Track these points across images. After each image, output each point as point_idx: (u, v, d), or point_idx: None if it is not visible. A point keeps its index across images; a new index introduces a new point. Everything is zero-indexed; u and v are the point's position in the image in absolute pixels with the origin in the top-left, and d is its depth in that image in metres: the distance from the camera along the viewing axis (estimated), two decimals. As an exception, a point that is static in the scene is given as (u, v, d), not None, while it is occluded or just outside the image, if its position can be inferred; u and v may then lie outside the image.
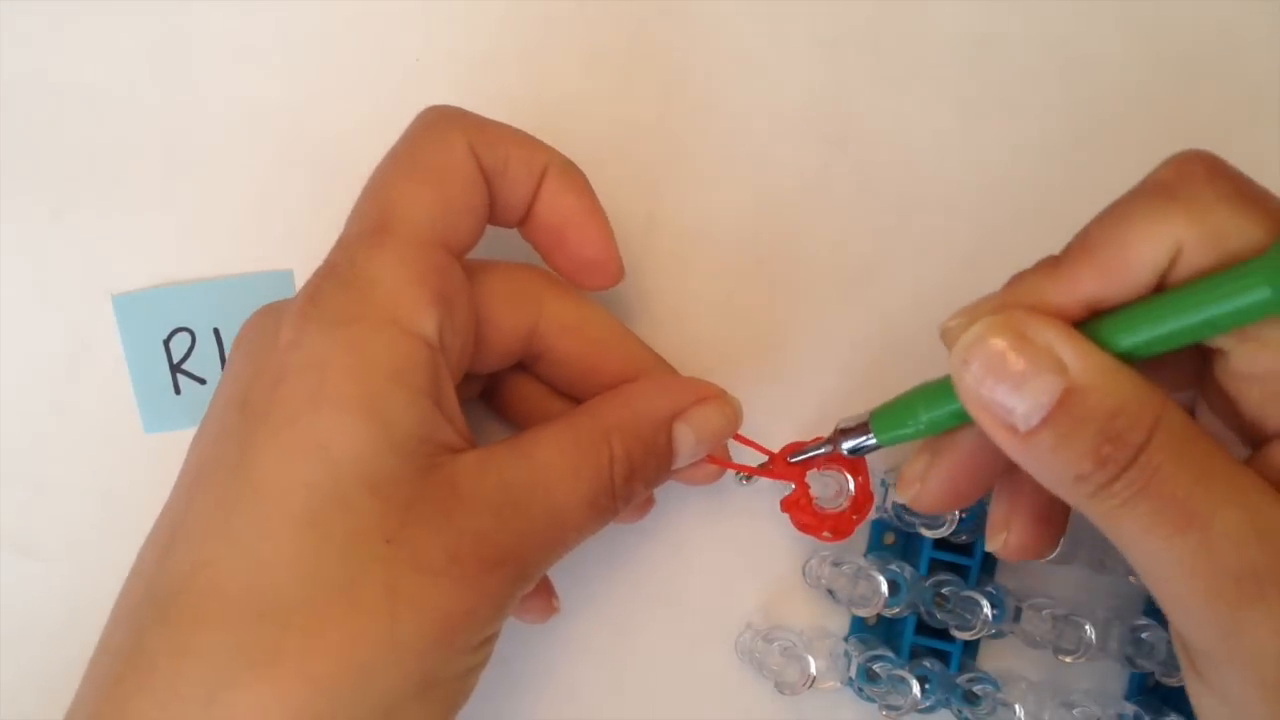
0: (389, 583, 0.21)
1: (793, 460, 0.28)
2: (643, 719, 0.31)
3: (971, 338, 0.22)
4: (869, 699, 0.30)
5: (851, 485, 0.27)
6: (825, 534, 0.28)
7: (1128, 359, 0.21)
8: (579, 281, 0.27)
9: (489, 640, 0.24)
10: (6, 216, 0.31)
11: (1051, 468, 0.21)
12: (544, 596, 0.29)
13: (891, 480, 0.30)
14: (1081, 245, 0.22)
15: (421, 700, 0.22)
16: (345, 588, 0.21)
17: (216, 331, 0.31)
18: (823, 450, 0.27)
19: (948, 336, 0.23)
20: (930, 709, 0.30)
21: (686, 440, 0.26)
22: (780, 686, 0.30)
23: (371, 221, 0.24)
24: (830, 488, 0.28)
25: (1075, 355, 0.21)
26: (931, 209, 0.32)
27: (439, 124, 0.25)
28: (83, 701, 0.22)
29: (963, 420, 0.24)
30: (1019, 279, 0.23)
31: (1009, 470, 0.25)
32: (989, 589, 0.29)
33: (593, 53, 0.32)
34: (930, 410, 0.25)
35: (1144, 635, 0.29)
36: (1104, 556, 0.30)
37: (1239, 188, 0.21)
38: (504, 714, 0.31)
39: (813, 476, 0.28)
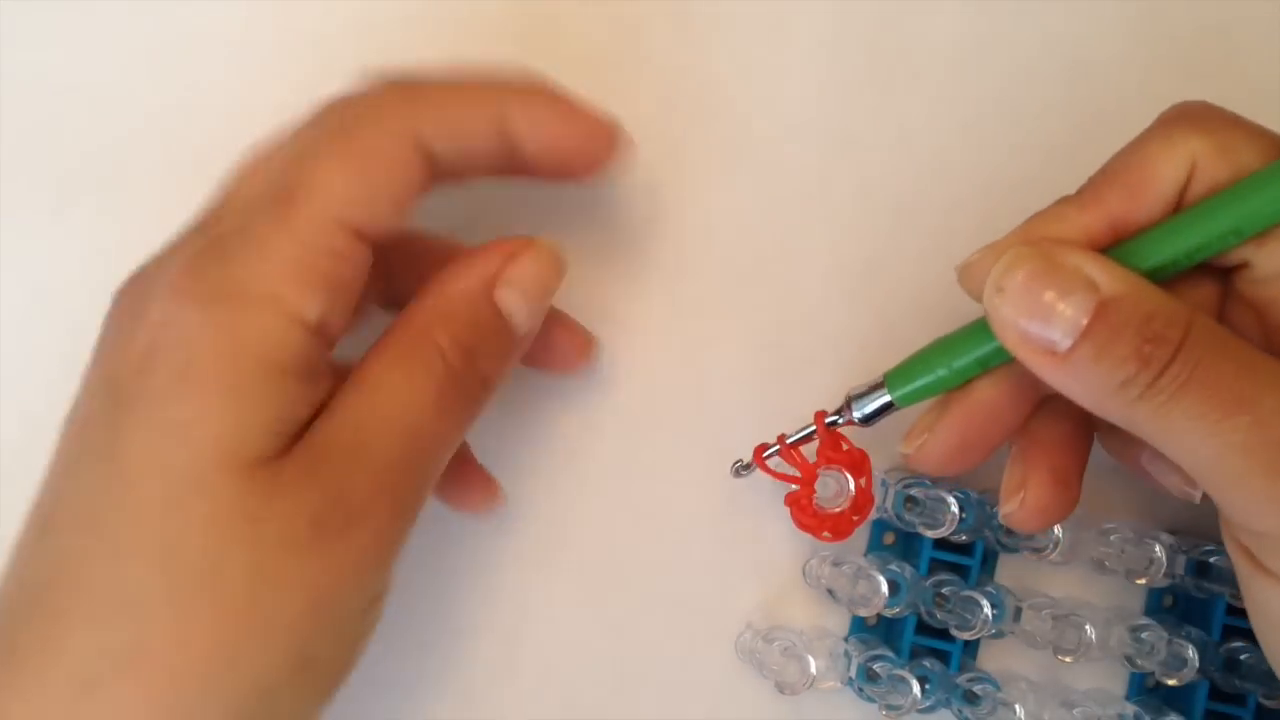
0: (253, 563, 0.21)
1: (790, 441, 0.27)
2: (643, 719, 0.31)
3: (1004, 266, 0.23)
4: (869, 699, 0.30)
5: (852, 485, 0.27)
6: (825, 534, 0.28)
7: (1152, 280, 0.22)
8: (586, 169, 0.26)
9: (374, 602, 0.24)
10: (7, 215, 0.31)
11: (1094, 380, 0.22)
12: (479, 488, 0.29)
13: (892, 480, 0.30)
14: (1102, 172, 0.24)
15: (300, 677, 0.22)
16: (208, 574, 0.21)
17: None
18: (833, 420, 0.26)
19: (967, 273, 0.24)
20: (930, 709, 0.30)
21: (512, 301, 0.25)
22: (780, 686, 0.30)
23: (280, 189, 0.23)
24: (830, 488, 0.28)
25: (1104, 272, 0.22)
26: (931, 209, 0.32)
27: (385, 104, 0.24)
28: None
29: (982, 368, 0.24)
30: (1038, 215, 0.24)
31: (1021, 429, 0.26)
32: (989, 589, 0.29)
33: (592, 52, 0.32)
34: (948, 360, 0.25)
35: (1144, 635, 0.29)
36: (1104, 557, 0.30)
37: (1239, 118, 0.24)
38: (503, 714, 0.31)
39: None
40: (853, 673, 0.30)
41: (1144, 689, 0.31)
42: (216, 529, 0.21)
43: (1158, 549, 0.29)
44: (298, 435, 0.22)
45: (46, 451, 0.29)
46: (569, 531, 0.31)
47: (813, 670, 0.30)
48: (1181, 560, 0.30)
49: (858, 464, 0.27)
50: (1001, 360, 0.25)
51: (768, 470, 0.28)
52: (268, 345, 0.22)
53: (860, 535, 0.32)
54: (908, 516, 0.30)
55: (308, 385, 0.22)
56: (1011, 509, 0.26)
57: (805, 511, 0.28)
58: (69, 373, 0.31)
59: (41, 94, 0.31)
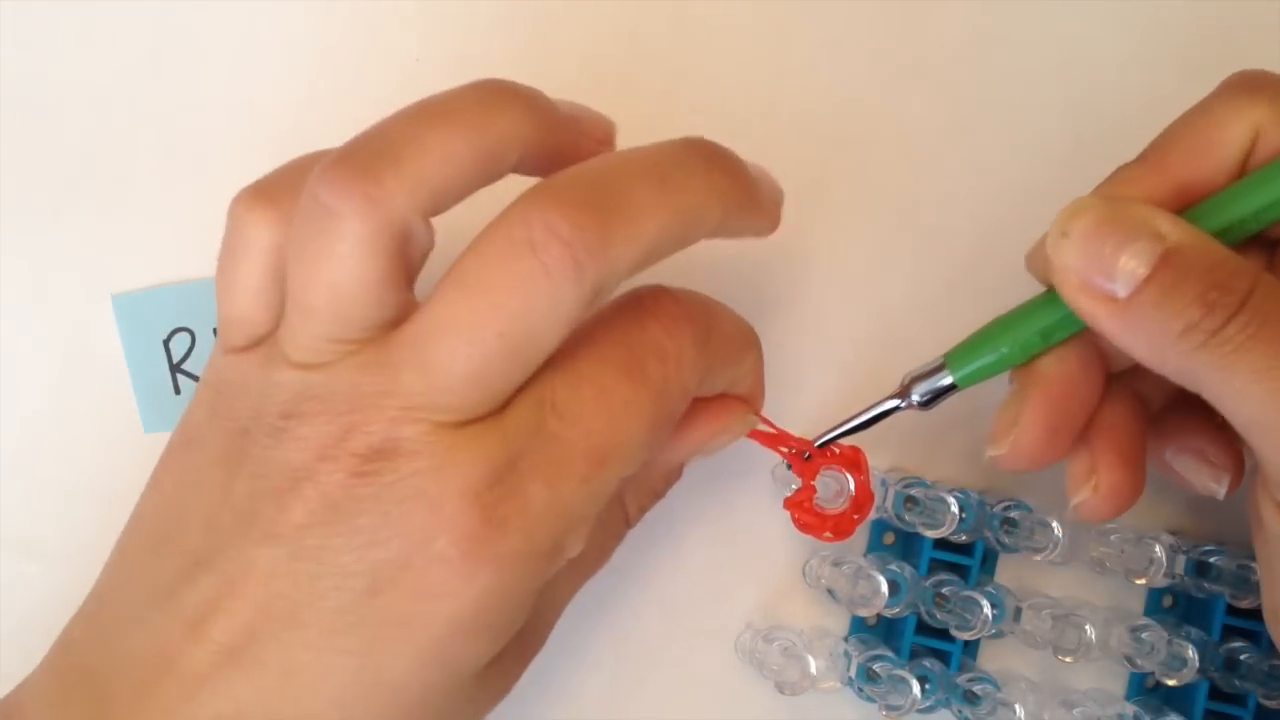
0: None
1: (829, 438, 0.27)
2: (642, 719, 0.31)
3: (1069, 213, 0.22)
4: (869, 699, 0.30)
5: (852, 485, 0.27)
6: (826, 534, 0.28)
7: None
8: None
9: None
10: (6, 216, 0.31)
11: (1155, 327, 0.22)
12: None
13: (892, 480, 0.30)
14: (1165, 136, 0.24)
15: None
16: None
17: (216, 332, 0.31)
18: (892, 405, 0.26)
19: (1032, 258, 0.25)
20: (930, 709, 0.30)
21: (691, 461, 0.27)
22: (780, 686, 0.30)
23: (589, 468, 0.22)
24: (830, 488, 0.28)
25: (1170, 223, 0.22)
26: (931, 209, 0.32)
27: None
28: None
29: (1045, 340, 0.24)
30: (1103, 183, 0.24)
31: (1098, 408, 0.25)
32: (989, 589, 0.29)
33: (592, 52, 0.32)
34: (1010, 335, 0.24)
35: (1144, 635, 0.29)
36: (1104, 557, 0.30)
37: None
38: (503, 715, 0.31)
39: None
40: (853, 673, 0.30)
41: (1144, 689, 0.31)
42: (446, 715, 0.23)
43: (1158, 549, 0.29)
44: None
45: (47, 452, 0.28)
46: (569, 531, 0.31)
47: (813, 670, 0.30)
48: (1181, 560, 0.30)
49: (854, 461, 0.27)
50: (1064, 332, 0.24)
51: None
52: (526, 605, 0.23)
53: (860, 535, 0.32)
54: (908, 516, 0.30)
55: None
56: (1084, 497, 0.25)
57: (807, 511, 0.28)
58: (69, 373, 0.32)
59: (41, 94, 0.31)
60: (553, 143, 0.23)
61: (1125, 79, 0.32)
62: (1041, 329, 0.24)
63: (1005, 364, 0.25)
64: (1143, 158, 0.24)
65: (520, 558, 0.21)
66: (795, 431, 0.28)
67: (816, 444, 0.27)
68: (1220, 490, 0.26)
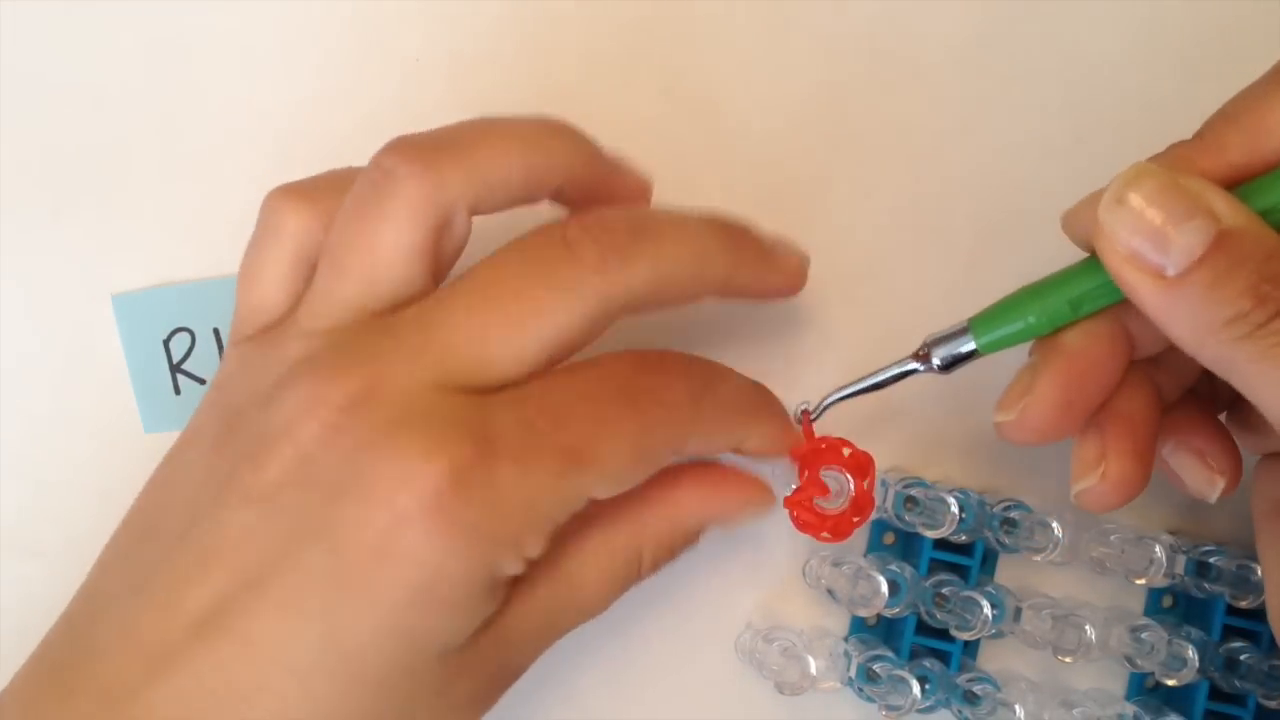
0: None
1: (840, 396, 0.27)
2: (642, 719, 0.31)
3: (1127, 179, 0.22)
4: (869, 699, 0.30)
5: (852, 486, 0.27)
6: (824, 534, 0.28)
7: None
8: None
9: None
10: (6, 216, 0.31)
11: (1201, 311, 0.21)
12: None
13: (892, 480, 0.30)
14: (1222, 115, 0.23)
15: None
16: None
17: (216, 331, 0.31)
18: (910, 368, 0.26)
19: (1072, 218, 0.24)
20: (930, 709, 0.30)
21: (710, 531, 0.27)
22: (780, 686, 0.30)
23: (573, 462, 0.22)
24: (830, 488, 0.28)
25: (1226, 204, 0.21)
26: (931, 209, 0.32)
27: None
28: None
29: (1074, 311, 0.24)
30: (1156, 158, 0.23)
31: (1116, 393, 0.25)
32: (989, 589, 0.29)
33: (592, 52, 0.32)
34: (1037, 305, 0.24)
35: (1144, 635, 0.29)
36: (1104, 557, 0.30)
37: None
38: (502, 715, 0.31)
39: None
40: (853, 673, 0.30)
41: (1144, 689, 0.31)
42: (411, 702, 0.22)
43: (1158, 549, 0.29)
44: (485, 624, 0.23)
45: (47, 452, 0.28)
46: (569, 531, 0.31)
47: (813, 670, 0.30)
48: (1181, 560, 0.30)
49: (862, 467, 0.27)
50: (1094, 304, 0.24)
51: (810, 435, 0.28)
52: (501, 580, 0.23)
53: (860, 535, 0.32)
54: (908, 517, 0.30)
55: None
56: (1089, 484, 0.25)
57: (806, 512, 0.28)
58: (69, 373, 0.32)
59: (41, 94, 0.31)
60: (592, 179, 0.25)
61: (1125, 79, 0.32)
62: (1071, 298, 0.23)
63: (1030, 333, 0.24)
64: (1199, 138, 0.23)
65: (480, 535, 0.21)
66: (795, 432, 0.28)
67: (827, 401, 0.27)
68: (1213, 494, 0.26)
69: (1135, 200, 0.21)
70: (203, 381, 0.31)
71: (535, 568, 0.23)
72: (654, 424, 0.24)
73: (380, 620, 0.21)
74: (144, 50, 0.32)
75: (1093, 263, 0.23)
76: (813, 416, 0.27)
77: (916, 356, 0.26)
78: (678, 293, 0.25)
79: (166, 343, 0.31)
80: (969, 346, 0.25)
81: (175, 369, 0.31)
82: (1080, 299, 0.24)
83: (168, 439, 0.25)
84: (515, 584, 0.23)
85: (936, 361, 0.25)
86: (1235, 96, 0.23)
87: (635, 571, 0.26)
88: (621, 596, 0.26)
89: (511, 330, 0.22)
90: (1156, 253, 0.21)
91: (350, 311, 0.23)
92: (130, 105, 0.32)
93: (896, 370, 0.26)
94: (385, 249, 0.23)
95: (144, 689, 0.21)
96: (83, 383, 0.31)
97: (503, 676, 0.25)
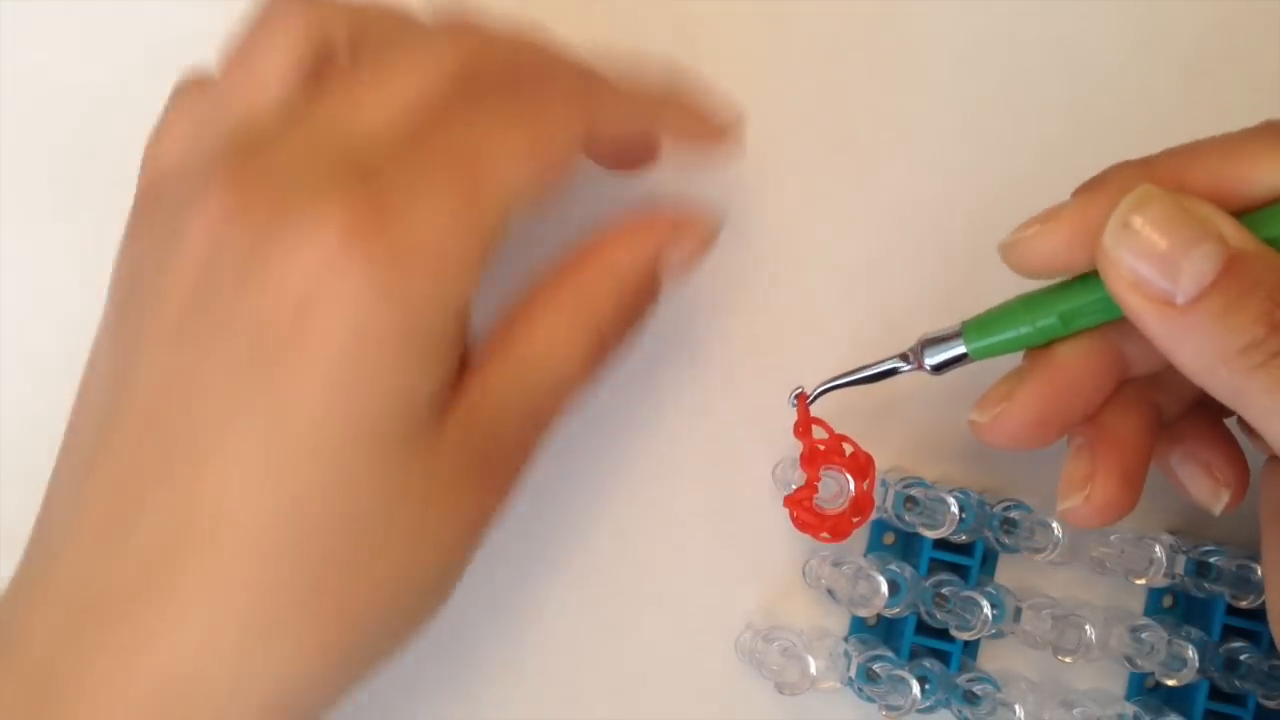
0: (425, 495, 0.22)
1: (827, 388, 0.27)
2: (642, 719, 0.31)
3: (1132, 203, 0.21)
4: (869, 699, 0.30)
5: (852, 486, 0.27)
6: (824, 535, 0.28)
7: None
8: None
9: (476, 549, 0.24)
10: (6, 216, 0.31)
11: (1213, 339, 0.20)
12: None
13: (892, 480, 0.30)
14: (1185, 153, 0.22)
15: (436, 598, 0.23)
16: (382, 506, 0.21)
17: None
18: (896, 366, 0.25)
19: (1017, 249, 0.24)
20: (930, 709, 0.30)
21: (669, 278, 0.25)
22: (780, 686, 0.30)
23: (460, 165, 0.22)
24: (830, 488, 0.28)
25: (1232, 228, 0.21)
26: (931, 209, 0.32)
27: (571, 98, 0.24)
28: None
29: (1067, 326, 0.23)
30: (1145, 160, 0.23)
31: (1090, 420, 0.24)
32: (989, 589, 0.30)
33: (592, 52, 0.32)
34: (1032, 315, 0.23)
35: (1144, 635, 0.29)
36: (1104, 557, 0.30)
37: None
38: (504, 714, 0.31)
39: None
40: (853, 673, 0.30)
41: (1144, 689, 0.31)
42: (385, 479, 0.21)
43: (1158, 549, 0.29)
44: (451, 390, 0.22)
45: (47, 451, 0.29)
46: (569, 531, 0.31)
47: (813, 670, 0.30)
48: (1181, 560, 0.30)
49: (863, 468, 0.27)
50: (1087, 321, 0.23)
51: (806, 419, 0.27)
52: (437, 321, 0.21)
53: (860, 535, 0.32)
54: (908, 517, 0.30)
55: (460, 347, 0.23)
56: (1074, 504, 0.24)
57: (805, 512, 0.28)
58: (69, 372, 0.31)
59: (41, 94, 0.31)
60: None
61: (1125, 79, 0.32)
62: (1063, 313, 0.23)
63: (1021, 343, 0.24)
64: (1147, 163, 0.22)
65: (398, 270, 0.21)
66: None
67: (815, 392, 0.27)
68: (1218, 507, 0.25)
69: (1141, 224, 0.21)
70: (203, 381, 0.31)
71: (491, 347, 0.23)
72: (544, 104, 0.23)
73: (322, 385, 0.20)
74: (143, 50, 0.32)
75: (1088, 278, 0.23)
76: (809, 400, 0.27)
77: (909, 356, 0.26)
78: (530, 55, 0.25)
79: (166, 342, 0.31)
80: (960, 350, 0.25)
81: (175, 369, 0.31)
82: (1072, 314, 0.23)
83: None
84: (471, 362, 0.23)
85: (929, 362, 0.25)
86: (1200, 143, 0.22)
87: (596, 331, 0.24)
88: (601, 365, 0.25)
89: (377, 90, 0.22)
90: (1164, 279, 0.20)
91: (224, 140, 0.23)
92: (130, 105, 0.32)
93: (887, 366, 0.26)
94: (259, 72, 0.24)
95: (104, 557, 0.21)
96: (83, 383, 0.31)
97: (491, 460, 0.23)
